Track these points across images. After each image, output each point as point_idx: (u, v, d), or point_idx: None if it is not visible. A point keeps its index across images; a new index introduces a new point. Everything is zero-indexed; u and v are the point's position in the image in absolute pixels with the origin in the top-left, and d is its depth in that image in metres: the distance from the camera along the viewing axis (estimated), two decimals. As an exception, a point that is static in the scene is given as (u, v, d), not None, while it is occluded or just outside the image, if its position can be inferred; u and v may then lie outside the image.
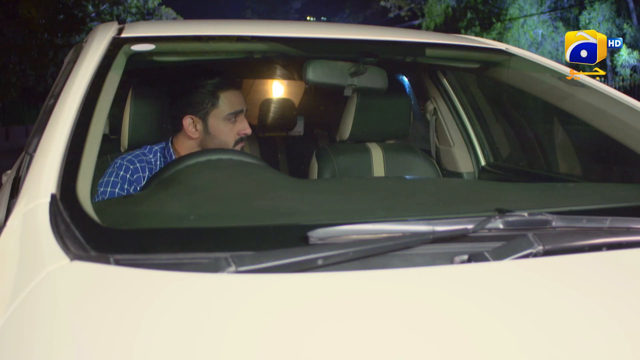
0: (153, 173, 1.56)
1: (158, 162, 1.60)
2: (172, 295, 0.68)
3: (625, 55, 14.79)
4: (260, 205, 1.02)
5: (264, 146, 2.53)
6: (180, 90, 1.62)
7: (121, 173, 1.53)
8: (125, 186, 1.53)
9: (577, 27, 16.32)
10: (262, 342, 0.61)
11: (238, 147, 1.64)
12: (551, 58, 15.56)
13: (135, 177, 1.54)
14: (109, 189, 1.51)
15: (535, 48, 16.81)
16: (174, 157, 1.61)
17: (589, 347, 0.65)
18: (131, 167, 1.55)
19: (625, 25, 15.63)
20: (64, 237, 0.74)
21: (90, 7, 15.12)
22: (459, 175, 2.19)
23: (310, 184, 1.51)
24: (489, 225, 0.86)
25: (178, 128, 1.63)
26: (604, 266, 0.82)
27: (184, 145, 1.62)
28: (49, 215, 0.78)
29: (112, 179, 1.53)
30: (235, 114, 1.61)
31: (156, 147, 1.63)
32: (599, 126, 1.65)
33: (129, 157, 1.58)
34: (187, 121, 1.59)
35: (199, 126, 1.60)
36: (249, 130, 1.64)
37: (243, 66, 2.41)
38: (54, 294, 0.67)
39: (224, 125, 1.61)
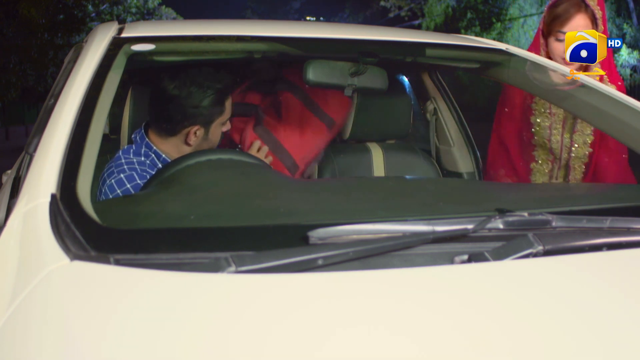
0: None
1: (154, 167, 1.54)
2: (172, 295, 0.68)
3: (625, 55, 14.79)
4: (261, 205, 1.02)
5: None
6: (182, 98, 1.52)
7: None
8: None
9: (577, 27, 16.27)
10: (263, 342, 0.61)
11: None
12: (551, 58, 15.49)
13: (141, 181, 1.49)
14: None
15: (536, 48, 16.78)
16: (167, 160, 1.54)
17: (589, 346, 0.65)
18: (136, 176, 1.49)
19: (625, 25, 15.61)
20: (64, 237, 0.74)
21: (90, 7, 15.10)
22: (459, 175, 2.19)
23: (310, 184, 1.51)
24: (489, 225, 0.86)
25: (171, 133, 1.55)
26: (604, 266, 0.82)
27: (176, 149, 1.56)
28: (49, 215, 0.78)
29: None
30: (230, 117, 1.61)
31: (142, 150, 1.55)
32: (599, 126, 1.65)
33: (126, 166, 1.50)
34: (192, 130, 1.54)
35: (199, 133, 1.55)
36: (229, 126, 1.64)
37: (243, 66, 2.41)
38: (54, 294, 0.67)
39: (219, 128, 1.60)
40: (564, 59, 1.73)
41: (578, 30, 1.70)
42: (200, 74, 1.52)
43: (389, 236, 0.82)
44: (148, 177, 1.47)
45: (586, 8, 1.77)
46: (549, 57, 1.82)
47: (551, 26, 1.79)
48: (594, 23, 1.76)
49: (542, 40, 1.84)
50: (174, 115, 1.53)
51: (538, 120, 1.86)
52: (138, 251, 0.75)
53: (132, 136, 1.60)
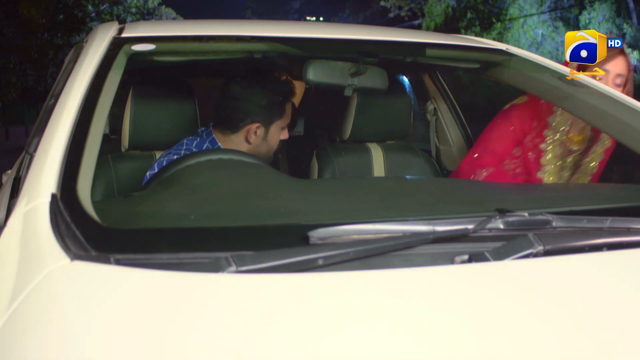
0: None
1: None
2: (172, 295, 0.68)
3: (625, 55, 14.81)
4: (261, 205, 1.02)
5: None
6: (249, 97, 1.62)
7: None
8: None
9: (577, 27, 16.32)
10: (263, 342, 0.61)
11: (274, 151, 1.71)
12: (551, 58, 15.51)
13: None
14: None
15: (535, 48, 16.80)
16: None
17: (589, 347, 0.65)
18: None
19: (625, 25, 15.62)
20: (64, 236, 0.74)
21: (90, 7, 15.10)
22: None
23: (310, 184, 1.51)
24: (490, 225, 0.86)
25: (233, 130, 1.64)
26: (604, 266, 0.82)
27: (237, 147, 1.63)
28: (49, 215, 0.78)
29: None
30: (288, 124, 1.69)
31: (204, 145, 1.62)
32: (599, 126, 1.65)
33: (183, 152, 1.58)
34: (252, 127, 1.62)
35: (259, 132, 1.63)
36: (287, 136, 1.71)
37: (243, 66, 2.41)
38: (55, 294, 0.67)
39: (278, 133, 1.67)
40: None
41: (618, 72, 1.71)
42: (265, 77, 1.66)
43: (390, 236, 0.82)
44: None
45: (625, 54, 1.76)
46: None
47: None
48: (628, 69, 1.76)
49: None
50: (237, 113, 1.64)
51: (549, 147, 1.79)
52: (138, 251, 0.75)
53: (199, 130, 1.68)
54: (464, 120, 2.25)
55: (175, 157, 1.56)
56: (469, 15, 18.31)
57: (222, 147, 1.64)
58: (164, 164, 1.54)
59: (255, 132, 1.63)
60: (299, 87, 2.84)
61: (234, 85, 1.64)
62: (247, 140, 1.64)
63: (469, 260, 0.80)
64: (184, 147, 1.61)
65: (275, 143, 1.69)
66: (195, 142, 1.64)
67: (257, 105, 1.62)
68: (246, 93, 1.64)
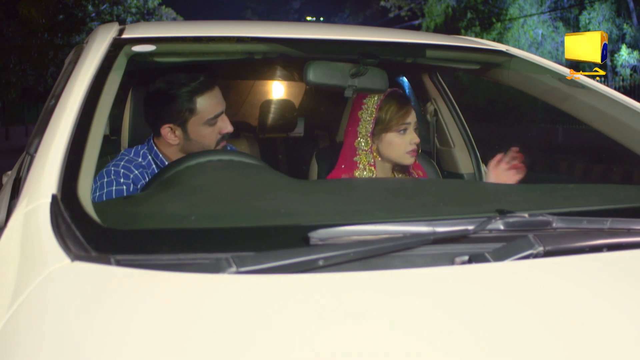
0: (149, 177, 1.53)
1: (152, 167, 1.58)
2: (173, 295, 0.68)
3: (625, 55, 14.81)
4: (261, 206, 1.02)
5: (264, 147, 2.54)
6: (153, 98, 1.57)
7: (121, 180, 1.50)
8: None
9: (577, 27, 16.32)
10: (263, 343, 0.61)
11: (220, 146, 1.60)
12: (551, 58, 15.56)
13: (140, 184, 1.52)
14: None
15: (535, 48, 16.80)
16: (165, 162, 1.57)
17: (589, 347, 0.65)
18: (131, 175, 1.52)
19: (625, 25, 15.63)
20: (64, 237, 0.74)
21: (90, 7, 15.12)
22: (459, 176, 2.19)
23: (310, 185, 1.51)
24: (490, 226, 0.86)
25: (157, 134, 1.58)
26: (605, 267, 0.82)
27: (167, 150, 1.58)
28: (49, 215, 0.78)
29: (114, 188, 1.48)
30: (216, 117, 1.57)
31: (141, 151, 1.59)
32: (598, 127, 1.65)
33: (122, 163, 1.54)
34: (166, 130, 1.55)
35: (178, 133, 1.55)
36: (230, 129, 1.60)
37: (243, 67, 2.41)
38: (55, 295, 0.67)
39: (205, 129, 1.56)
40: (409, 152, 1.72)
41: (415, 121, 1.72)
42: (171, 74, 1.55)
43: (390, 237, 0.82)
44: (128, 176, 1.52)
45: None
46: (380, 155, 1.76)
47: (390, 123, 1.72)
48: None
49: (368, 142, 1.74)
50: (150, 118, 1.61)
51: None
52: (139, 252, 0.75)
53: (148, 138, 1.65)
54: (464, 122, 2.25)
55: (104, 170, 1.52)
56: (469, 15, 18.31)
57: (157, 151, 1.58)
58: (97, 180, 1.49)
59: (174, 133, 1.55)
60: (299, 88, 2.84)
61: (149, 85, 1.59)
62: (167, 142, 1.57)
63: (469, 261, 0.80)
64: (119, 156, 1.57)
65: (207, 139, 1.56)
66: (133, 150, 1.59)
67: (161, 107, 1.54)
68: (149, 97, 1.58)
